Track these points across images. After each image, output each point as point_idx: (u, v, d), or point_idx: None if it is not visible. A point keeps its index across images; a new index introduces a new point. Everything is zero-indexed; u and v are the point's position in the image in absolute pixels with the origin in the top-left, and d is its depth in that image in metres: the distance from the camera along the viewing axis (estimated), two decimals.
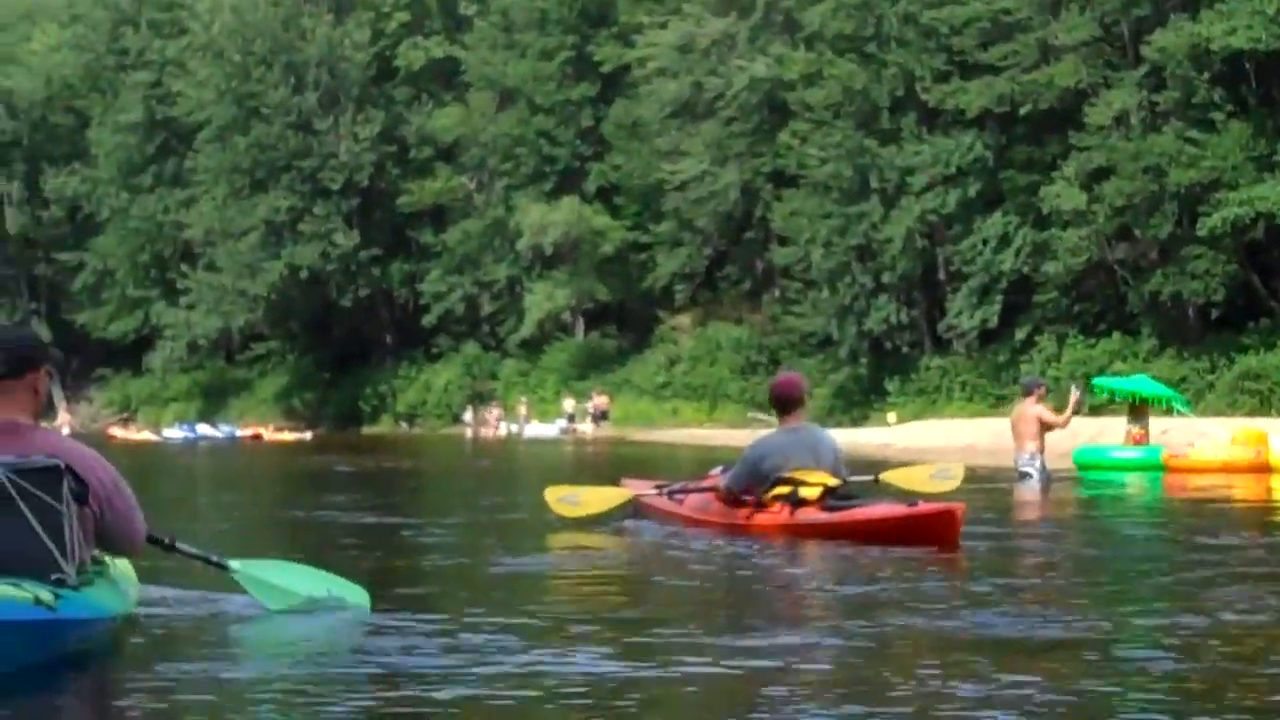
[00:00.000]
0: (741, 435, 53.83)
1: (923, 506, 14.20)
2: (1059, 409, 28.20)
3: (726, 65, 70.98)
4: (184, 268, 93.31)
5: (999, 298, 62.07)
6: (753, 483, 15.09)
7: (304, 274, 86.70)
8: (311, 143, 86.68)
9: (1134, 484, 27.46)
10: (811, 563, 13.25)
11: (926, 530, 13.86)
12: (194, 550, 9.16)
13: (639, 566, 13.58)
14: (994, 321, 62.42)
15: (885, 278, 65.19)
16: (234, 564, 9.13)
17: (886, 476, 16.87)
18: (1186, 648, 8.28)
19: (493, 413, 79.63)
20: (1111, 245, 58.09)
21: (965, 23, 60.75)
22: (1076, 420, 28.96)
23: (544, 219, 77.68)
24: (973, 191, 62.18)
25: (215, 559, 9.18)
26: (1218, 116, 55.80)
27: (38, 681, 7.00)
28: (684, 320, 78.03)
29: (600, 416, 74.33)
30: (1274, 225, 53.09)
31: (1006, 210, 61.55)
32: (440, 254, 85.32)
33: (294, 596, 9.06)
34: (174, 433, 79.66)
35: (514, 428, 75.95)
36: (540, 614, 9.63)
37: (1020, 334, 62.05)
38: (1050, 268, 59.38)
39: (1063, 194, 57.86)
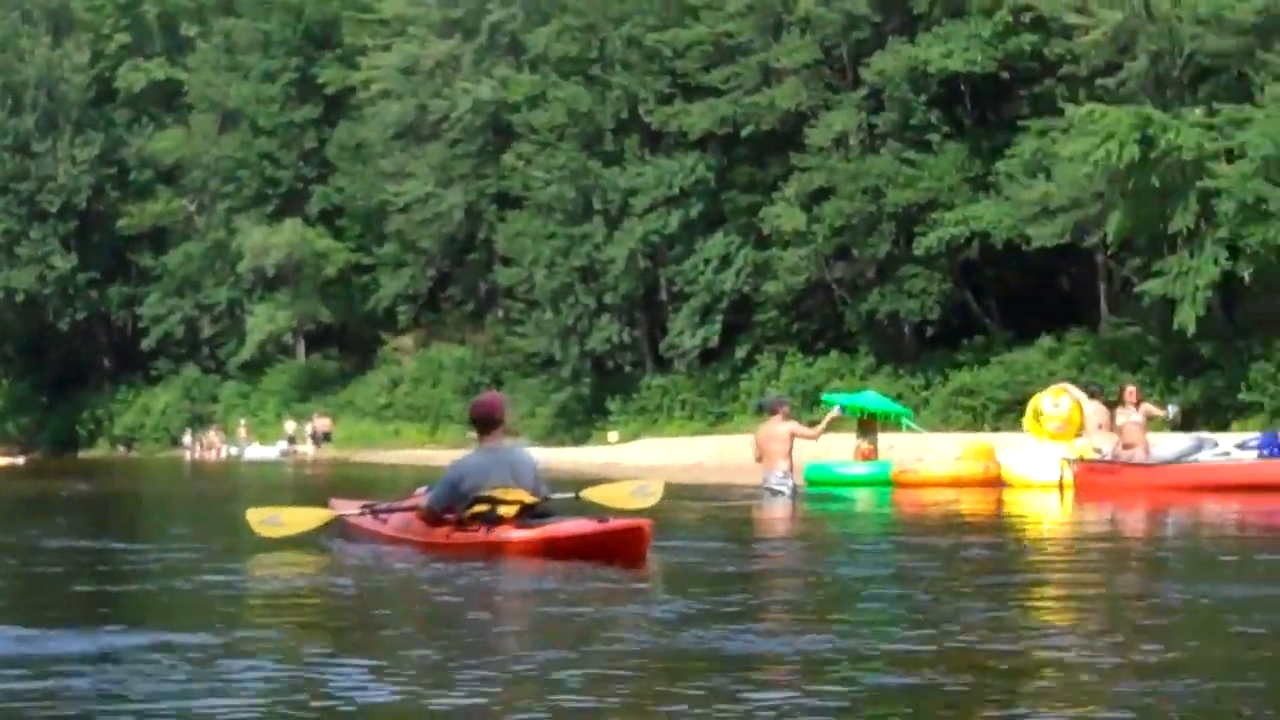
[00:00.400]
0: (420, 454, 53.65)
1: (612, 523, 14.24)
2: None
3: (451, 87, 70.39)
4: None
5: (720, 317, 62.02)
6: (453, 501, 14.98)
7: (20, 297, 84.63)
8: (29, 165, 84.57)
9: (864, 499, 27.57)
10: (504, 580, 13.33)
11: (615, 546, 13.99)
12: None
13: (332, 585, 13.50)
14: (715, 341, 62.33)
15: (608, 298, 64.81)
16: None
17: (587, 494, 16.31)
18: (915, 664, 8.27)
19: (212, 436, 78.04)
20: (830, 265, 58.26)
21: (688, 45, 60.77)
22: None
23: (266, 241, 76.54)
24: (695, 212, 62.01)
25: None
26: (934, 138, 56.33)
27: None
28: (407, 341, 77.22)
29: (323, 438, 73.12)
30: (988, 245, 53.41)
31: (728, 231, 61.52)
32: (160, 277, 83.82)
33: None
34: None
35: (234, 450, 74.48)
36: (218, 630, 9.62)
37: (741, 352, 62.08)
38: (770, 287, 59.53)
39: (783, 214, 57.98)
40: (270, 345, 79.99)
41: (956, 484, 30.94)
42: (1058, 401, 32.43)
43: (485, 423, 15.36)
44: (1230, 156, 46.85)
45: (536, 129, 66.13)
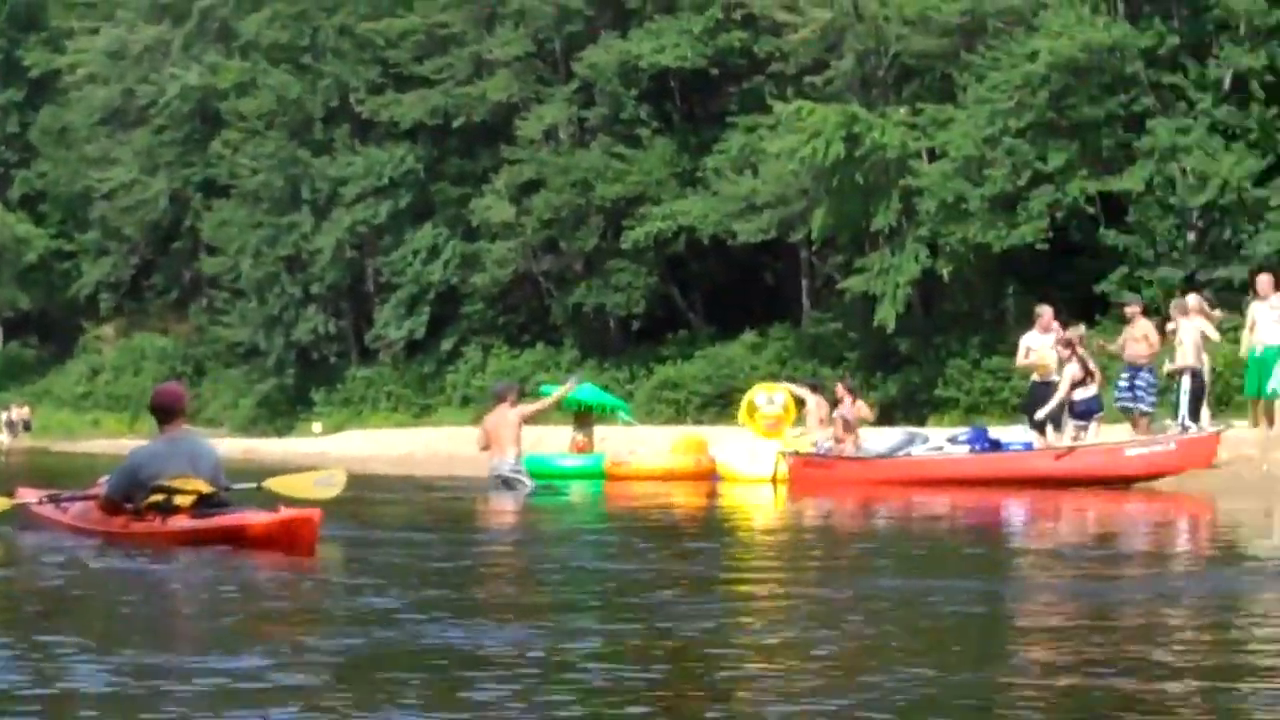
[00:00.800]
0: (119, 442, 52.40)
1: (282, 513, 14.33)
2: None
3: (159, 73, 69.06)
4: None
5: (427, 309, 61.73)
6: (132, 490, 14.82)
7: None
8: None
9: (577, 492, 27.39)
10: (176, 570, 13.17)
11: (285, 536, 14.09)
12: None
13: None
14: (421, 332, 62.06)
15: (314, 288, 64.33)
16: None
17: (269, 484, 16.59)
18: (621, 657, 8.32)
19: None
20: (538, 257, 57.92)
21: (401, 35, 60.25)
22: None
23: None
24: (404, 203, 61.60)
25: None
26: (644, 133, 56.21)
27: None
28: (108, 330, 75.65)
29: (21, 427, 70.78)
30: (694, 239, 53.31)
31: (437, 222, 61.15)
32: None
33: None
34: None
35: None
36: None
37: (447, 344, 61.70)
38: (478, 279, 59.23)
39: (493, 206, 57.67)
40: None
41: (669, 477, 30.73)
42: (772, 397, 32.53)
43: (165, 412, 15.29)
44: (932, 156, 47.04)
45: (245, 116, 65.25)
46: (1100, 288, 44.95)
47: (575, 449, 33.93)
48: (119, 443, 60.59)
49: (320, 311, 64.54)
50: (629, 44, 54.96)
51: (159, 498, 14.47)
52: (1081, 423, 28.68)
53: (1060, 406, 28.47)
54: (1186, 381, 28.53)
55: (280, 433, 62.55)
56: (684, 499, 25.43)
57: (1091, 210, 45.16)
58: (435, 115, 59.10)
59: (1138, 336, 29.14)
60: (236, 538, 14.19)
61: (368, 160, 61.84)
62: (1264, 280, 30.14)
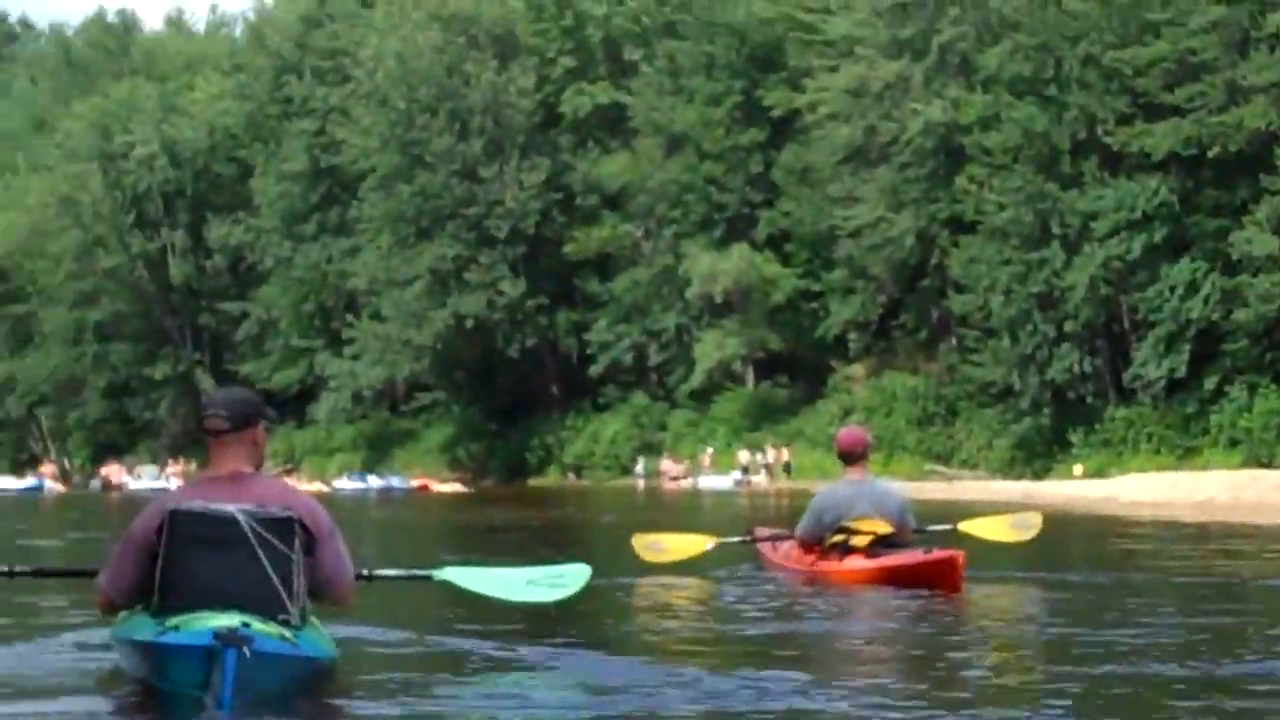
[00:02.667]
0: (915, 486, 53.05)
1: (933, 554, 15.14)
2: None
3: (900, 109, 70.03)
4: (349, 317, 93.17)
5: (1187, 346, 61.10)
6: (818, 531, 16.08)
7: (470, 323, 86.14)
8: (476, 190, 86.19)
9: None
10: (834, 607, 13.93)
11: (934, 574, 14.93)
12: (396, 572, 10.19)
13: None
14: (1182, 371, 61.42)
15: (1067, 326, 64.18)
16: (436, 573, 10.08)
17: (964, 526, 17.30)
18: None
19: (665, 463, 78.74)
20: None
21: (1149, 64, 60.01)
22: None
23: (714, 267, 76.92)
24: (1158, 237, 61.18)
25: (420, 573, 10.23)
26: None
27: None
28: (858, 370, 77.04)
29: (784, 470, 73.10)
30: None
31: (1194, 256, 60.61)
32: (607, 303, 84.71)
33: (506, 587, 10.25)
34: (344, 483, 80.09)
35: (689, 480, 74.84)
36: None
37: (1209, 384, 61.04)
38: (1241, 315, 58.50)
39: (1254, 239, 57.04)
40: (719, 373, 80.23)
41: None
42: None
43: (849, 455, 16.35)
44: None
45: (990, 151, 65.66)
46: None
47: None
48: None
49: (1075, 349, 64.43)
50: None
51: (839, 538, 15.72)
52: None
53: None
54: None
55: (1037, 475, 62.92)
56: None
57: None
58: (1189, 145, 58.81)
59: None
60: (892, 576, 15.15)
61: (1119, 193, 61.67)
62: None
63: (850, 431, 17.16)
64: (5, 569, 10.06)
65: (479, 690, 8.80)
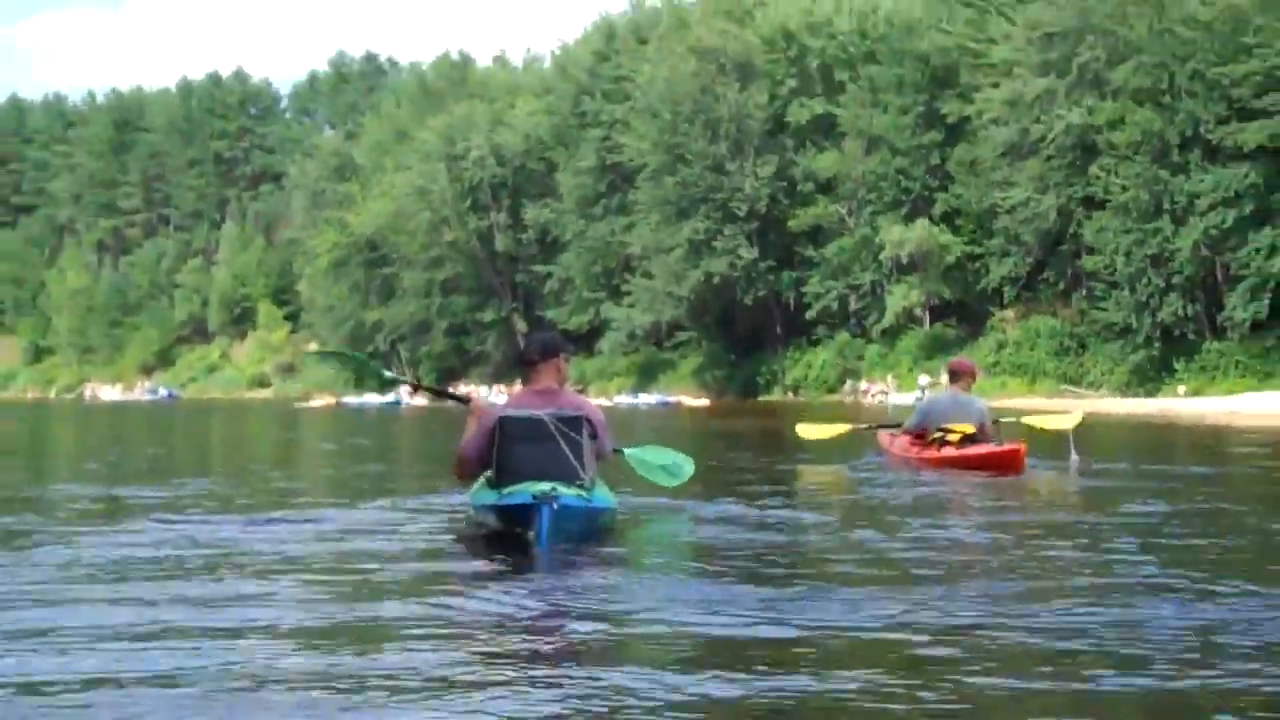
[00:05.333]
0: (1056, 403, 51.93)
1: (1004, 446, 15.82)
2: None
3: (1048, 114, 68.73)
4: (626, 276, 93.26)
5: (1267, 296, 60.37)
6: (923, 428, 16.76)
7: (716, 280, 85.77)
8: (723, 180, 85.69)
9: None
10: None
11: (1004, 462, 15.50)
12: (618, 446, 10.68)
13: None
14: (1263, 314, 60.87)
15: (1174, 280, 63.37)
16: (626, 450, 10.98)
17: (1027, 419, 18.83)
18: None
19: (872, 386, 78.08)
20: None
21: (1243, 76, 58.88)
22: None
23: (901, 236, 76.26)
24: (1247, 210, 60.33)
25: (622, 449, 10.87)
26: None
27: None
28: (1010, 314, 75.85)
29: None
30: None
31: (1275, 225, 59.57)
32: (819, 264, 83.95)
33: (665, 459, 11.15)
34: (622, 398, 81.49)
35: (884, 397, 74.17)
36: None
37: None
38: None
39: None
40: (903, 316, 79.57)
41: None
42: None
43: (954, 375, 17.03)
44: None
45: (1116, 146, 64.64)
46: None
47: None
48: (1019, 401, 61.19)
49: (1180, 298, 63.42)
50: None
51: (939, 434, 16.35)
52: None
53: None
54: None
55: (1149, 394, 61.90)
56: None
57: None
58: (1273, 140, 57.69)
59: None
60: (974, 462, 15.62)
61: (1216, 177, 60.68)
62: None
63: (960, 360, 17.90)
64: (412, 381, 13.70)
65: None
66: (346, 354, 16.15)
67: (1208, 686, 5.05)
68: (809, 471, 16.91)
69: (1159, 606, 6.45)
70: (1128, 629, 5.96)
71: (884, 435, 18.78)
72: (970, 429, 16.17)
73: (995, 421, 16.63)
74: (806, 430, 19.88)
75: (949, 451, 16.11)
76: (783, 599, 6.74)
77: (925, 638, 5.82)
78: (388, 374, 12.46)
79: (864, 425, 19.67)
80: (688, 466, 11.14)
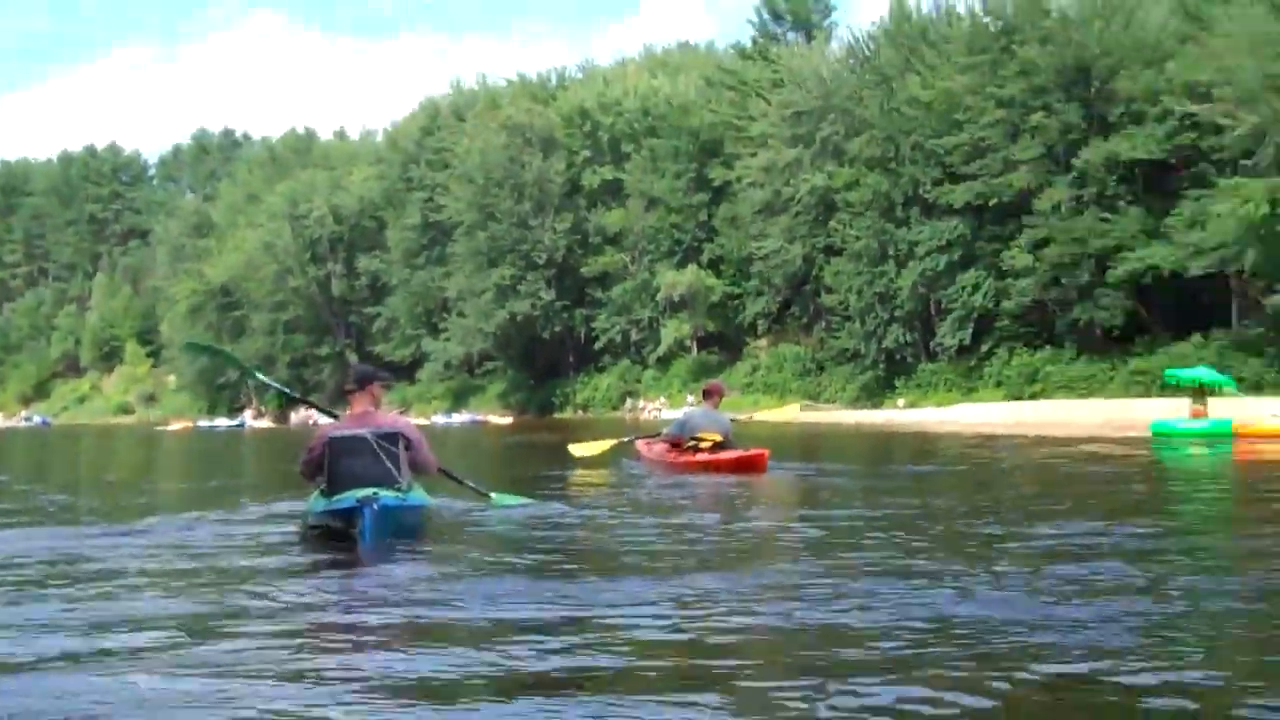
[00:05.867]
0: (795, 415, 52.07)
1: (750, 451, 15.98)
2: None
3: (795, 179, 69.22)
4: (444, 315, 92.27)
5: (971, 325, 60.69)
6: (680, 436, 16.80)
7: (519, 318, 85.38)
8: (526, 234, 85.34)
9: (1199, 451, 21.67)
10: (687, 490, 13.48)
11: (750, 464, 15.66)
12: (468, 483, 10.92)
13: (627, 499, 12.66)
14: (967, 340, 61.09)
15: (896, 313, 63.72)
16: (493, 495, 10.94)
17: (749, 418, 20.69)
18: None
19: (642, 403, 77.74)
20: (1047, 289, 56.12)
21: (954, 146, 59.45)
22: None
23: (674, 280, 76.34)
24: (955, 256, 60.62)
25: (480, 489, 10.95)
26: (1121, 204, 54.18)
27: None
28: (763, 343, 76.29)
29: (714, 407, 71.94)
30: (1158, 274, 51.17)
31: (978, 268, 59.98)
32: (606, 304, 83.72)
33: (516, 505, 10.84)
34: (438, 419, 79.86)
35: (659, 413, 73.89)
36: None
37: (985, 348, 60.42)
38: (1006, 305, 58.18)
39: (1017, 257, 56.69)
40: (675, 346, 79.48)
41: None
42: None
43: (707, 394, 17.28)
44: None
45: (851, 204, 65.12)
46: None
47: (1194, 415, 29.54)
48: (773, 414, 61.28)
49: (900, 327, 63.97)
50: (1112, 145, 53.21)
51: (693, 442, 16.44)
52: None
53: None
54: None
55: (875, 406, 62.19)
56: None
57: None
58: (977, 198, 58.23)
59: None
60: (726, 466, 15.71)
61: (931, 229, 61.13)
62: None
63: (712, 382, 18.00)
64: (290, 391, 13.60)
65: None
66: (218, 349, 15.22)
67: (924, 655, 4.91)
68: (590, 475, 16.47)
69: (883, 583, 6.40)
70: (847, 599, 5.98)
71: (641, 444, 18.88)
72: (719, 437, 16.41)
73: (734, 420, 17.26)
74: (579, 449, 19.98)
75: (703, 456, 16.24)
76: (571, 584, 6.65)
77: (680, 614, 5.75)
78: (260, 376, 12.76)
79: (626, 438, 19.83)
80: (545, 507, 10.95)
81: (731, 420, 17.18)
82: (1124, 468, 17.31)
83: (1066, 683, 4.51)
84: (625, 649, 5.07)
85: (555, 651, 5.03)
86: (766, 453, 15.83)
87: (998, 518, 9.82)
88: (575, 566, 7.44)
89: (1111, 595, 5.96)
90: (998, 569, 6.76)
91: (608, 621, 5.58)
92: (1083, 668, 4.65)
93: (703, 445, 16.35)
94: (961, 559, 7.24)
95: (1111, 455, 19.94)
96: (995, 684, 4.43)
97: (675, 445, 16.94)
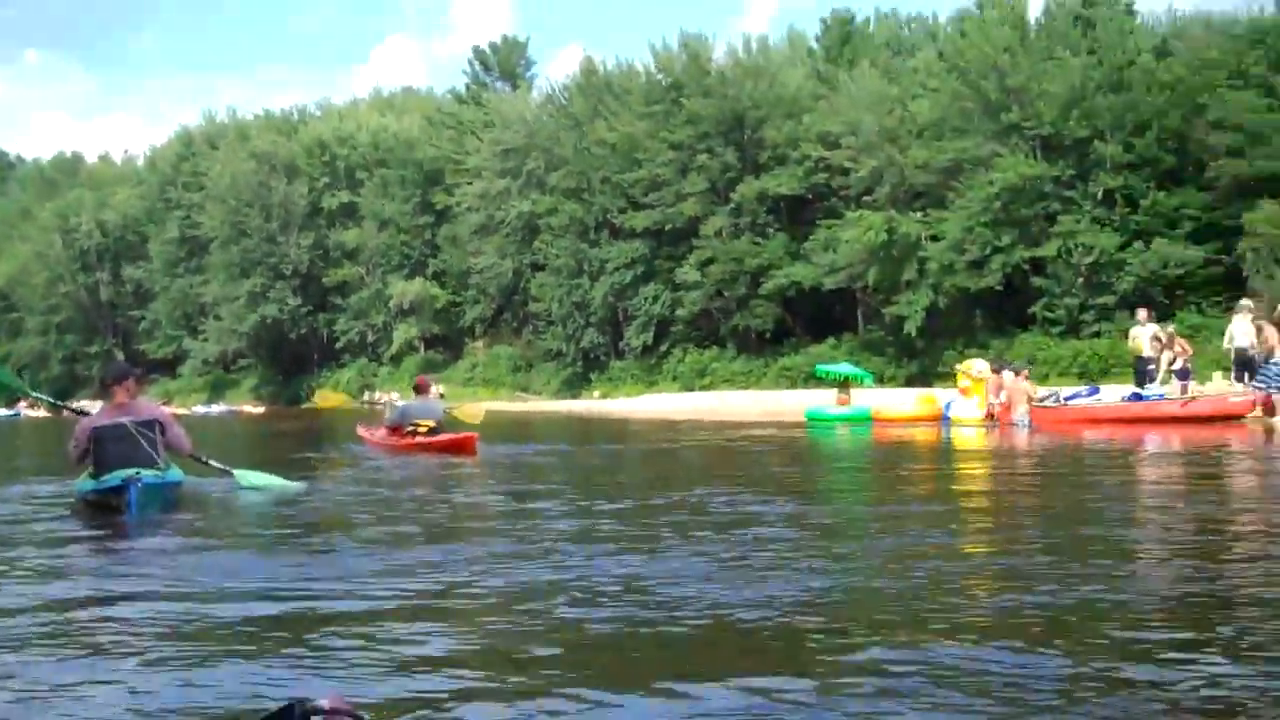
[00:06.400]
0: (505, 405, 51.37)
1: (461, 435, 15.62)
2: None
3: (505, 205, 68.20)
4: (202, 319, 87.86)
5: (652, 329, 60.48)
6: (401, 423, 16.38)
7: (269, 321, 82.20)
8: (275, 249, 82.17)
9: (845, 432, 22.19)
10: (411, 470, 12.97)
11: (462, 446, 15.25)
12: (216, 464, 10.11)
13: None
14: (650, 341, 60.88)
15: (591, 319, 63.35)
16: (235, 471, 10.14)
17: (454, 411, 17.91)
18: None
19: (382, 396, 75.47)
20: (713, 300, 56.59)
21: (635, 180, 59.29)
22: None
23: (404, 290, 74.58)
24: (639, 272, 60.42)
25: (225, 469, 10.15)
26: (770, 231, 54.95)
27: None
28: (480, 344, 74.90)
29: (440, 396, 69.80)
30: (800, 288, 52.08)
31: (657, 282, 59.86)
32: (345, 310, 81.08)
33: (265, 485, 10.00)
34: (198, 409, 75.10)
35: (395, 404, 71.73)
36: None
37: (664, 348, 60.44)
38: (681, 313, 58.29)
39: (688, 273, 56.85)
40: (405, 346, 77.47)
41: (915, 420, 26.34)
42: (970, 372, 25.84)
43: (417, 389, 16.84)
44: (934, 239, 45.51)
45: (553, 227, 64.38)
46: (1031, 310, 43.40)
47: (840, 403, 29.15)
48: (492, 404, 60.21)
49: (595, 332, 63.65)
50: (762, 182, 53.94)
51: (411, 428, 16.09)
52: (1183, 382, 24.50)
53: (1156, 373, 24.67)
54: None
55: (574, 398, 61.77)
56: (925, 436, 20.05)
57: (1025, 267, 43.53)
58: (655, 224, 58.20)
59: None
60: (441, 448, 15.37)
61: (619, 250, 60.82)
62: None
63: (420, 377, 17.78)
64: (56, 403, 12.73)
65: None
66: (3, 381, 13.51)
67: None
68: (329, 458, 15.84)
69: (577, 546, 6.19)
70: (535, 561, 5.78)
71: (361, 429, 18.53)
72: (433, 423, 16.20)
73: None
74: (321, 398, 21.10)
75: (420, 439, 15.98)
76: (303, 555, 6.23)
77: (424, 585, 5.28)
78: (35, 394, 12.22)
79: (356, 403, 20.15)
80: (289, 486, 10.20)
81: (446, 410, 16.99)
82: (784, 446, 17.64)
83: (729, 623, 4.38)
84: (348, 612, 4.68)
85: (281, 614, 4.66)
86: (475, 436, 15.56)
87: (679, 488, 9.76)
88: (311, 540, 6.94)
89: (774, 552, 5.88)
90: (677, 534, 6.61)
91: (328, 588, 5.17)
92: (749, 615, 4.50)
93: (420, 430, 16.12)
94: (640, 525, 7.08)
95: (775, 437, 20.39)
96: (664, 628, 4.33)
97: (395, 430, 16.64)
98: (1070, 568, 5.31)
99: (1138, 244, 41.38)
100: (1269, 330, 23.91)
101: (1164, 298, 39.24)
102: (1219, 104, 39.44)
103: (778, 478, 11.12)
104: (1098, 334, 41.24)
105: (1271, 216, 36.34)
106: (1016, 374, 24.57)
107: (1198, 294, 39.70)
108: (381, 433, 17.18)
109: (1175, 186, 41.93)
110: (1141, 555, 5.77)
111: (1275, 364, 23.25)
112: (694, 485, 9.95)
